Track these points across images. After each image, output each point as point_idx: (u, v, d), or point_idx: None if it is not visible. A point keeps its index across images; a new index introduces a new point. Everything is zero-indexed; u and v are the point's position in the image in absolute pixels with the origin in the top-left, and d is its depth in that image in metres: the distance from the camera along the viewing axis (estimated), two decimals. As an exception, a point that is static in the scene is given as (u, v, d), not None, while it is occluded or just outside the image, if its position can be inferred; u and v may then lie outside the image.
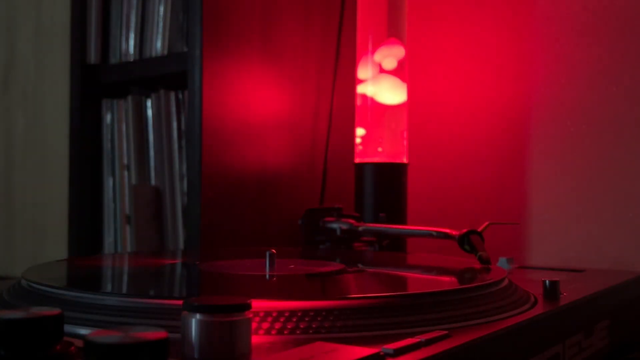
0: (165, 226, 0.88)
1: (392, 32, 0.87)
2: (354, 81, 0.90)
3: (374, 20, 0.87)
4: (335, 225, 0.79)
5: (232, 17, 0.84)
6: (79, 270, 0.59)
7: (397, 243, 0.83)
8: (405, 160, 0.88)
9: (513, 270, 0.69)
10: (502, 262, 0.72)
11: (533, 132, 0.95)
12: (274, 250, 0.56)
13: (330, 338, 0.36)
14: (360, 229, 0.77)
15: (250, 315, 0.33)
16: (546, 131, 0.94)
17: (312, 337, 0.37)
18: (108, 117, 0.95)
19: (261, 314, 0.37)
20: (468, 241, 0.64)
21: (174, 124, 0.88)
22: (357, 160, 0.88)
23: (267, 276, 0.53)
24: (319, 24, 0.97)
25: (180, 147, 0.88)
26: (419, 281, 0.58)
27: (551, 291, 0.51)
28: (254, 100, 0.87)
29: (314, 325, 0.37)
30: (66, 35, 0.98)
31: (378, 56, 0.87)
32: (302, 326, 0.37)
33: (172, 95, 0.88)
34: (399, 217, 0.85)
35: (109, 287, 0.52)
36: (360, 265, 0.63)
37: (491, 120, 0.98)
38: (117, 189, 0.94)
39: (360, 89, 0.88)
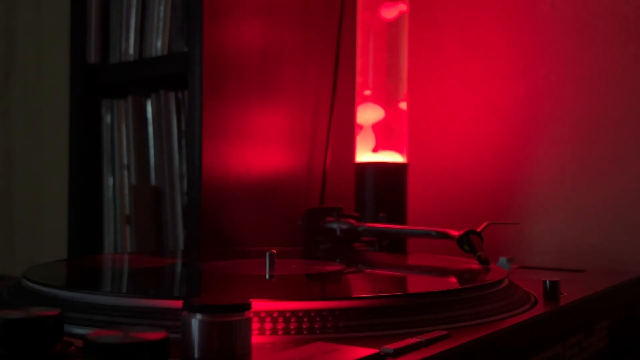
0: (165, 226, 0.88)
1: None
2: (354, 82, 0.90)
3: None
4: (335, 225, 0.79)
5: (233, 18, 0.84)
6: (79, 270, 0.60)
7: (397, 243, 0.83)
8: (405, 160, 0.88)
9: (513, 270, 0.69)
10: (502, 262, 0.72)
11: (533, 132, 0.95)
12: (274, 250, 0.56)
13: (330, 338, 0.36)
14: (360, 229, 0.77)
15: (251, 315, 0.33)
16: (546, 131, 0.94)
17: (312, 337, 0.37)
18: (108, 117, 0.95)
19: (261, 314, 0.37)
20: (467, 241, 0.64)
21: (174, 124, 0.88)
22: (357, 160, 0.88)
23: (267, 276, 0.53)
24: (320, 23, 0.97)
25: (180, 147, 0.88)
26: (419, 281, 0.58)
27: (551, 291, 0.51)
28: (254, 100, 0.87)
29: (314, 325, 0.37)
30: (66, 35, 0.98)
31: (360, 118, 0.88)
32: (302, 326, 0.37)
33: (172, 95, 0.88)
34: (399, 217, 0.85)
35: (109, 287, 0.52)
36: (360, 265, 0.63)
37: (491, 120, 0.98)
38: (117, 189, 0.94)
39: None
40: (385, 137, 0.87)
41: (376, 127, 0.87)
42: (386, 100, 0.87)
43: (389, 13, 0.87)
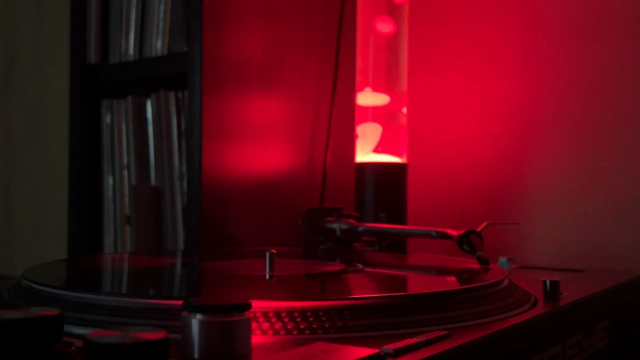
0: (165, 226, 0.88)
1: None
2: (354, 82, 0.90)
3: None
4: (335, 225, 0.79)
5: (233, 18, 0.84)
6: (79, 270, 0.60)
7: (397, 243, 0.83)
8: (405, 160, 0.88)
9: (513, 270, 0.69)
10: (502, 262, 0.73)
11: (533, 132, 0.95)
12: (274, 250, 0.56)
13: (330, 338, 0.36)
14: (360, 229, 0.77)
15: (250, 315, 0.33)
16: (546, 131, 0.94)
17: (312, 337, 0.37)
18: (108, 117, 0.95)
19: (261, 314, 0.37)
20: (467, 241, 0.64)
21: (174, 124, 0.88)
22: (357, 160, 0.88)
23: (267, 276, 0.53)
24: (319, 23, 0.97)
25: (180, 147, 0.88)
26: (419, 281, 0.58)
27: (551, 291, 0.51)
28: (254, 101, 0.87)
29: (314, 326, 0.37)
30: (66, 35, 0.98)
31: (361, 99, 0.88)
32: (302, 326, 0.37)
33: (172, 95, 0.88)
34: (399, 217, 0.85)
35: (108, 287, 0.52)
36: (360, 265, 0.63)
37: (491, 120, 0.98)
38: (117, 188, 0.94)
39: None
40: (387, 127, 0.87)
41: (378, 114, 0.86)
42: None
43: (385, 27, 0.87)
